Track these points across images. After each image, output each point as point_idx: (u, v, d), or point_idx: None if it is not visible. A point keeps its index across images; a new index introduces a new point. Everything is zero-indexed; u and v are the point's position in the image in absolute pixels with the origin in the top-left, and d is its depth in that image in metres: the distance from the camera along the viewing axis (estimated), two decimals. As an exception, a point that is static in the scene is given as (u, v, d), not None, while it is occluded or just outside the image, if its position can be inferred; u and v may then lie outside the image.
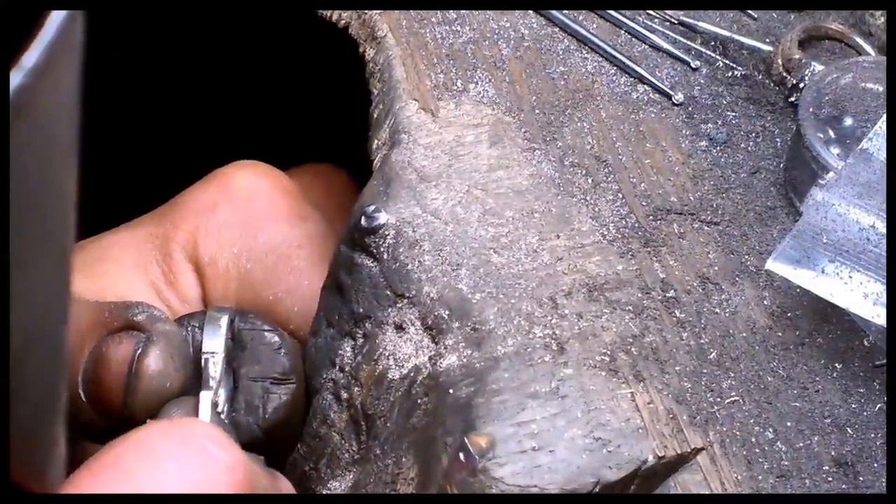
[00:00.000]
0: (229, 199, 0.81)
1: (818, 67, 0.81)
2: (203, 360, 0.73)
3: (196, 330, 0.74)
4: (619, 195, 0.77)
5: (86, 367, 0.71)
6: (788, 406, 0.69)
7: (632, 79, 0.84)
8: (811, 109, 0.76)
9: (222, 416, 0.73)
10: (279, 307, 0.79)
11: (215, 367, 0.73)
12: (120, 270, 0.80)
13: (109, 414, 0.71)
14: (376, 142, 0.80)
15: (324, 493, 0.74)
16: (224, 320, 0.74)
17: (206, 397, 0.71)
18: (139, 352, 0.70)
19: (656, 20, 0.87)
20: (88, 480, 0.62)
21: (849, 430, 0.69)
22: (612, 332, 0.71)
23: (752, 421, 0.68)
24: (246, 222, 0.80)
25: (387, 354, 0.72)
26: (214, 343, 0.74)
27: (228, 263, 0.79)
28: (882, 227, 0.70)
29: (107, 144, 1.18)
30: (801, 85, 0.81)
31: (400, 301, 0.72)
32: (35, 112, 0.42)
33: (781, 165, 0.80)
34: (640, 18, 0.87)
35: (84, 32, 0.46)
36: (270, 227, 0.80)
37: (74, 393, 0.71)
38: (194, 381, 0.73)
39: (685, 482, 0.67)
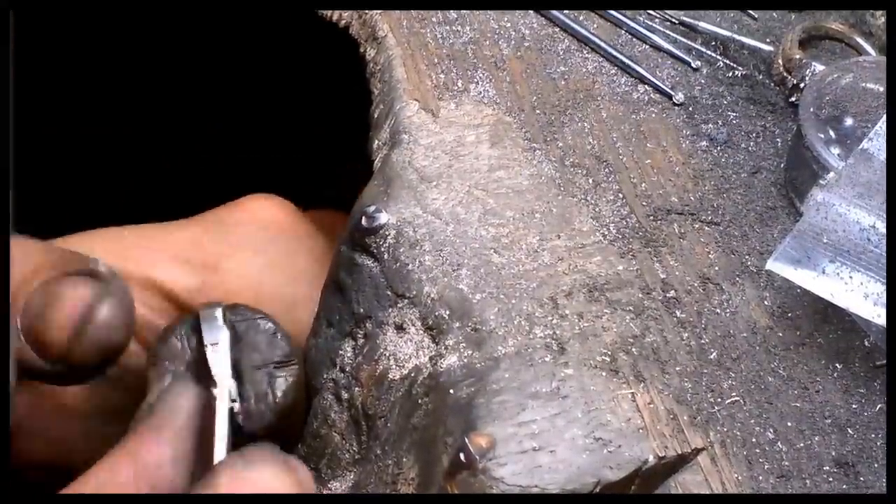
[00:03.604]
0: (251, 221, 0.83)
1: (818, 67, 0.81)
2: (206, 352, 0.73)
3: (189, 336, 0.74)
4: (620, 195, 0.77)
5: (29, 304, 0.70)
6: (789, 406, 0.69)
7: (632, 79, 0.84)
8: (811, 109, 0.76)
9: (235, 410, 0.73)
10: (294, 315, 0.80)
11: (221, 356, 0.73)
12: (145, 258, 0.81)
13: (47, 353, 0.70)
14: (377, 142, 0.80)
15: (324, 493, 0.74)
16: (219, 311, 0.75)
17: (223, 393, 0.71)
18: (96, 299, 0.70)
19: (657, 20, 0.87)
20: None
21: (849, 430, 0.69)
22: (612, 332, 0.71)
23: (752, 421, 0.68)
24: (265, 243, 0.82)
25: (387, 354, 0.72)
26: (215, 334, 0.74)
27: (246, 273, 0.81)
28: (882, 227, 0.70)
29: (95, 143, 1.19)
30: (802, 85, 0.81)
31: (400, 301, 0.72)
32: None
33: (782, 165, 0.80)
34: (641, 18, 0.87)
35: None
36: (286, 243, 0.82)
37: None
38: (197, 375, 0.73)
39: (685, 482, 0.67)
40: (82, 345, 0.69)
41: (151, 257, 0.80)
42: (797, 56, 0.83)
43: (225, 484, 0.65)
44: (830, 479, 0.67)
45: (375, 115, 0.82)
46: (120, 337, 0.70)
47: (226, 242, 0.81)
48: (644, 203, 0.77)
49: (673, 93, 0.83)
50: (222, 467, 0.66)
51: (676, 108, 0.82)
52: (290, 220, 0.84)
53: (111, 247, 0.81)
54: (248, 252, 0.81)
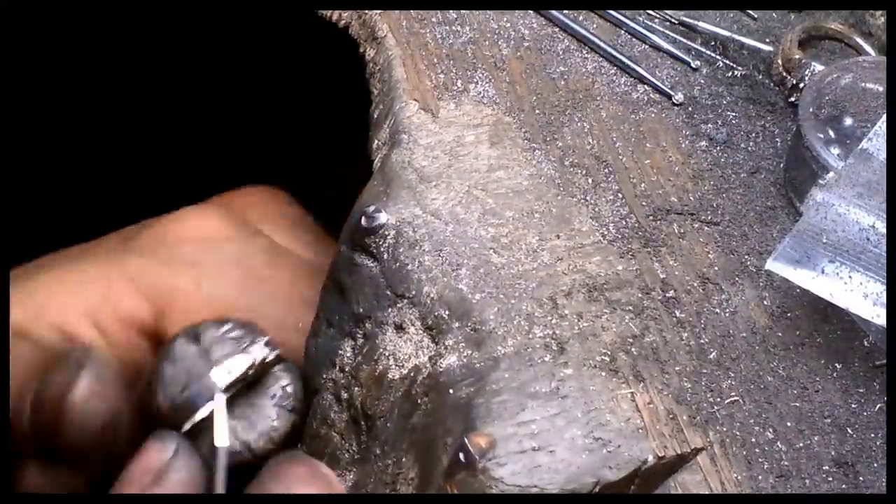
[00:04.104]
0: (191, 237, 0.84)
1: (818, 67, 0.81)
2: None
3: (180, 398, 0.75)
4: (619, 195, 0.77)
5: (32, 403, 0.73)
6: (788, 406, 0.69)
7: (632, 79, 0.84)
8: (811, 109, 0.76)
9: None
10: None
11: (219, 421, 0.74)
12: (61, 292, 0.81)
13: (46, 441, 0.73)
14: (376, 142, 0.80)
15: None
16: (215, 377, 0.75)
17: (222, 455, 0.73)
18: (69, 383, 0.73)
19: (656, 20, 0.87)
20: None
21: (849, 430, 0.69)
22: (612, 332, 0.71)
23: (752, 421, 0.68)
24: (209, 258, 0.83)
25: (387, 354, 0.72)
26: (209, 402, 0.75)
27: (197, 292, 0.81)
28: (882, 227, 0.70)
29: (95, 143, 1.19)
30: (801, 85, 0.81)
31: (400, 301, 0.72)
32: None
33: (781, 165, 0.80)
34: (640, 18, 0.87)
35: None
36: (229, 253, 0.83)
37: (19, 430, 0.74)
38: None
39: (685, 482, 0.67)
40: (65, 424, 0.72)
41: (113, 288, 0.81)
42: (797, 56, 0.83)
43: None
44: (830, 479, 0.67)
45: (375, 115, 0.82)
46: (99, 410, 0.73)
47: (173, 263, 0.82)
48: (643, 203, 0.77)
49: (672, 93, 0.83)
50: (260, 488, 0.68)
51: (676, 108, 0.82)
52: (225, 228, 0.85)
53: (73, 279, 0.81)
54: (195, 270, 0.82)
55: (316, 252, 0.88)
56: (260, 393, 0.75)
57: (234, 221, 0.86)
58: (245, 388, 0.74)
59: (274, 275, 0.83)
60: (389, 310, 0.72)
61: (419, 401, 0.69)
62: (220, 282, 0.82)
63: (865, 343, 0.72)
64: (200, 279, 0.81)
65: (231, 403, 0.74)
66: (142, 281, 0.81)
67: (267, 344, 0.75)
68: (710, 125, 0.82)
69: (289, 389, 0.75)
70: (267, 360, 0.75)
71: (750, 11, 0.88)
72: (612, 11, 0.86)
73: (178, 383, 0.73)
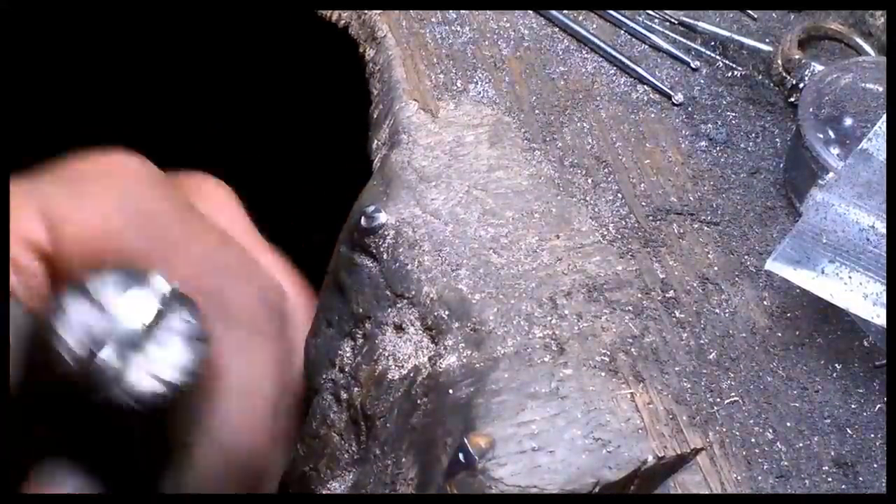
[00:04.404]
0: (102, 171, 0.83)
1: (818, 67, 0.81)
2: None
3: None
4: (619, 195, 0.77)
5: None
6: (788, 406, 0.69)
7: (632, 79, 0.84)
8: (811, 109, 0.76)
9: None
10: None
11: None
12: None
13: None
14: (376, 142, 0.80)
15: (323, 493, 0.74)
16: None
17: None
18: None
19: (656, 20, 0.87)
20: None
21: (848, 430, 0.69)
22: (611, 332, 0.71)
23: (751, 421, 0.68)
24: (113, 192, 0.82)
25: (386, 355, 0.72)
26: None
27: (95, 224, 0.81)
28: (882, 227, 0.70)
29: (95, 142, 1.19)
30: (801, 85, 0.81)
31: (400, 301, 0.72)
32: None
33: (781, 165, 0.80)
34: (640, 18, 0.87)
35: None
36: (135, 191, 0.82)
37: None
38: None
39: (685, 482, 0.67)
40: None
41: (20, 210, 0.81)
42: (796, 56, 0.83)
43: None
44: (829, 479, 0.67)
45: (375, 116, 0.82)
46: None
47: (77, 194, 0.81)
48: (643, 203, 0.77)
49: (672, 93, 0.83)
50: None
51: (676, 108, 0.82)
52: (143, 174, 0.83)
53: None
54: (98, 204, 0.81)
55: (232, 225, 0.86)
56: (164, 331, 0.73)
57: (157, 174, 0.84)
58: (146, 333, 0.73)
59: (174, 223, 0.81)
60: (389, 310, 0.72)
61: (419, 401, 0.69)
62: (117, 219, 0.81)
63: (865, 343, 0.72)
64: (98, 214, 0.80)
65: (140, 347, 0.72)
66: (46, 207, 0.80)
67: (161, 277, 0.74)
68: (709, 125, 0.82)
69: (191, 320, 0.74)
70: (169, 294, 0.74)
71: (750, 11, 0.88)
72: (612, 11, 0.87)
73: (84, 345, 0.72)
